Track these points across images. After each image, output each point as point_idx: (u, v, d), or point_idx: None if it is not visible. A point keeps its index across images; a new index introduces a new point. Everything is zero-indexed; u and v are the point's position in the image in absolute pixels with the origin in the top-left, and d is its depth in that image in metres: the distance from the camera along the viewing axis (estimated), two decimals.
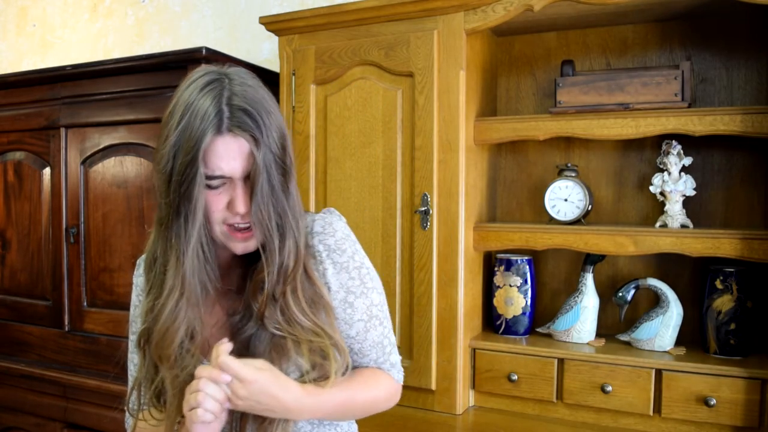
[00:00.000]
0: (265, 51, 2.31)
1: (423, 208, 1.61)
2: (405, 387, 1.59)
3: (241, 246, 0.93)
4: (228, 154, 0.87)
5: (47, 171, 2.14)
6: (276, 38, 1.84)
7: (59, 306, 2.12)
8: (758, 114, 1.40)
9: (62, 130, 2.08)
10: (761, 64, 1.61)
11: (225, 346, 0.87)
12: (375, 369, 1.04)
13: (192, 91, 0.89)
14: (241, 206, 0.89)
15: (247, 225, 0.92)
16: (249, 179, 0.89)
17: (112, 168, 2.00)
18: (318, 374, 0.95)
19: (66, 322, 2.12)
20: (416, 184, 1.63)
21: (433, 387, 1.63)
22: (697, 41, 1.67)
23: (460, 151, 1.60)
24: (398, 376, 1.07)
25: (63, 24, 2.81)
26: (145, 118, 1.91)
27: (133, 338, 1.08)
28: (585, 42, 1.78)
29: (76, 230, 2.06)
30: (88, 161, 2.04)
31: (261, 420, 0.93)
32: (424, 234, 1.62)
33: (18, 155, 2.21)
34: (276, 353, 0.93)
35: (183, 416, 0.89)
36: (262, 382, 0.87)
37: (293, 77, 1.79)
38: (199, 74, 0.91)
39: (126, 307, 1.95)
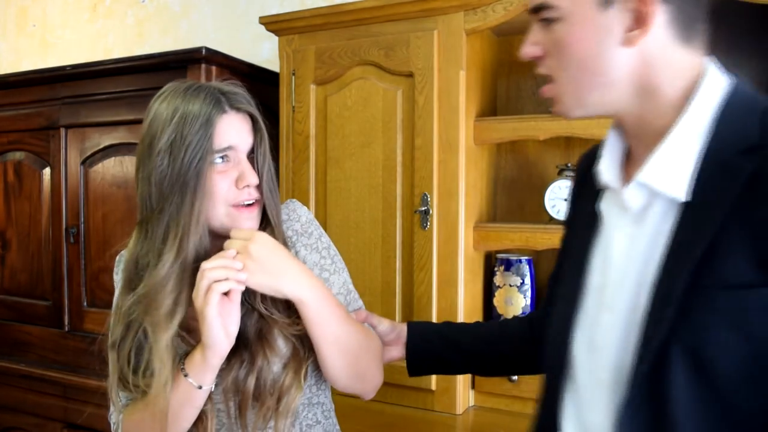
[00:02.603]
0: (265, 51, 2.31)
1: (423, 208, 1.61)
2: (405, 387, 1.61)
3: (249, 223, 0.96)
4: (234, 128, 0.94)
5: (47, 171, 2.14)
6: (276, 38, 1.84)
7: (59, 306, 2.12)
8: None
9: (62, 130, 2.08)
10: (761, 63, 1.60)
11: None
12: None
13: (174, 96, 0.94)
14: (253, 177, 0.95)
15: (253, 201, 0.96)
16: (251, 154, 0.97)
17: (112, 168, 2.00)
18: (295, 362, 0.98)
19: (66, 322, 2.12)
20: (416, 184, 1.63)
21: (433, 387, 1.63)
22: None
23: (460, 151, 1.60)
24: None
25: (63, 24, 2.81)
26: None
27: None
28: None
29: (76, 230, 2.06)
30: (88, 161, 2.04)
31: (260, 404, 0.95)
32: (424, 234, 1.62)
33: (18, 155, 2.21)
34: (262, 333, 0.97)
35: (181, 366, 0.93)
36: (266, 237, 0.93)
37: (293, 77, 1.79)
38: (171, 86, 0.97)
39: None
